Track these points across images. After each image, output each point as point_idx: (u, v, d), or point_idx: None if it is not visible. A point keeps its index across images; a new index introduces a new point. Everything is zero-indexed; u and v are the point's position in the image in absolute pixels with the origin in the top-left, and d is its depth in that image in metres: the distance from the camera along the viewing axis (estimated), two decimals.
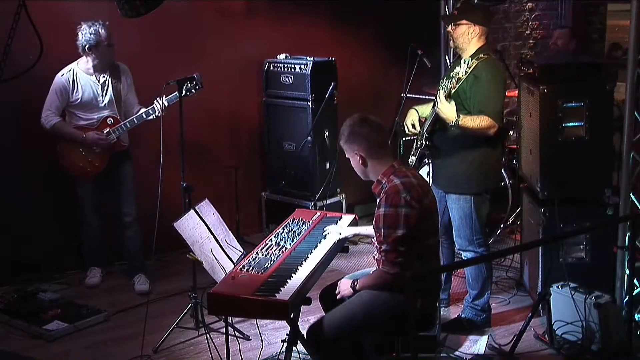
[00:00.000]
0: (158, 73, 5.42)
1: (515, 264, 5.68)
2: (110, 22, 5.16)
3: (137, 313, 5.00)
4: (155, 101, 5.06)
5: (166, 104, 5.02)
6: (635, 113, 4.41)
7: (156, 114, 5.09)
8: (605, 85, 4.69)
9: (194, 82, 4.86)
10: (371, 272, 3.71)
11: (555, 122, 4.67)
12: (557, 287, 4.58)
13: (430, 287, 3.65)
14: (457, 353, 4.46)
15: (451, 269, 5.18)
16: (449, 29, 4.58)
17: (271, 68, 6.43)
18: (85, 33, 5.13)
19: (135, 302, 5.23)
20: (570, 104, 4.66)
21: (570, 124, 4.68)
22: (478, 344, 4.57)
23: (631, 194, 4.50)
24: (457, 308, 4.99)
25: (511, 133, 6.47)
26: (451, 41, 4.63)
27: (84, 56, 5.23)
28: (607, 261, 4.63)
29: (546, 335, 4.56)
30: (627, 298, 4.37)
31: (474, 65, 4.39)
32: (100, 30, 5.12)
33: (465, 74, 4.35)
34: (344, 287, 3.70)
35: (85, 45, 5.14)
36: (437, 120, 4.51)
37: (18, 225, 5.52)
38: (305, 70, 6.18)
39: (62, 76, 5.23)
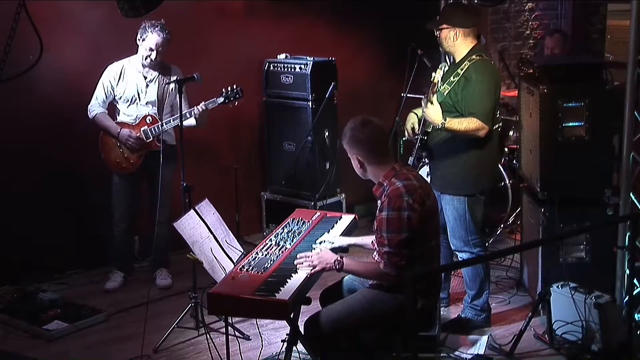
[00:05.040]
0: None
1: (515, 263, 5.68)
2: (109, 22, 5.16)
3: (137, 313, 5.00)
4: (195, 107, 5.05)
5: (203, 107, 5.00)
6: (635, 113, 4.41)
7: (192, 115, 5.05)
8: (605, 85, 4.69)
9: (235, 92, 4.92)
10: (365, 261, 3.69)
11: (555, 122, 4.67)
12: (557, 287, 4.57)
13: (430, 287, 3.66)
14: (457, 353, 4.46)
15: (450, 269, 5.18)
16: (436, 33, 4.60)
17: (271, 68, 6.43)
18: (140, 28, 5.14)
19: (135, 302, 5.22)
20: (570, 104, 4.66)
21: (570, 124, 4.68)
22: (478, 343, 4.57)
23: (631, 194, 4.50)
24: (457, 308, 4.99)
25: (511, 133, 6.47)
26: (440, 46, 4.65)
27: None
28: (607, 261, 4.63)
29: (546, 335, 4.56)
30: (627, 298, 4.37)
31: (466, 67, 4.44)
32: (148, 30, 5.11)
33: (457, 75, 4.41)
34: (324, 261, 3.57)
35: (136, 39, 5.16)
36: (429, 123, 4.54)
37: (18, 225, 5.52)
38: (305, 70, 6.18)
39: (110, 69, 5.25)
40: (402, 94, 6.04)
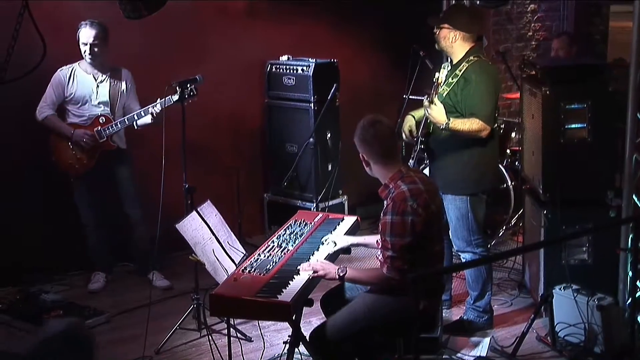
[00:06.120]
0: (160, 74, 5.43)
1: (517, 265, 5.67)
2: (112, 23, 5.16)
3: (139, 314, 5.00)
4: (151, 105, 5.08)
5: (158, 106, 5.02)
6: (638, 114, 4.40)
7: (147, 118, 5.10)
8: (607, 86, 4.68)
9: (190, 89, 4.82)
10: (368, 267, 3.68)
11: (557, 124, 4.67)
12: (560, 289, 4.57)
13: (432, 289, 3.65)
14: (459, 355, 4.46)
15: (452, 270, 5.18)
16: (435, 31, 4.61)
17: (273, 69, 6.43)
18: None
19: (137, 303, 5.22)
20: (572, 106, 4.66)
21: (573, 126, 4.68)
22: (480, 345, 4.57)
23: (634, 196, 4.49)
24: (459, 310, 4.99)
25: (513, 135, 6.47)
26: (436, 44, 4.66)
27: None
28: (609, 263, 4.61)
29: (548, 337, 4.55)
30: (629, 300, 4.36)
31: (464, 68, 4.47)
32: (81, 28, 5.17)
33: (456, 76, 4.44)
34: (327, 270, 3.56)
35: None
36: (430, 123, 4.56)
37: (21, 226, 5.52)
38: (307, 71, 6.18)
39: (61, 71, 5.30)
40: (404, 96, 6.04)
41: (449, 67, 4.62)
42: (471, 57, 4.49)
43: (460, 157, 4.55)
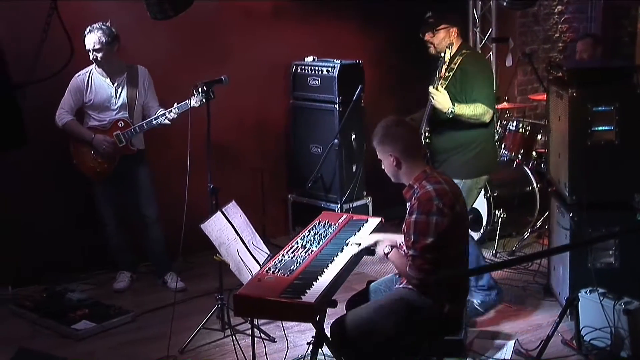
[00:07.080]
0: (185, 75, 5.46)
1: (543, 268, 5.62)
2: (138, 23, 5.20)
3: (164, 314, 5.03)
4: (167, 110, 5.11)
5: (177, 111, 5.04)
6: None
7: (165, 120, 5.12)
8: (636, 89, 4.64)
9: (206, 94, 4.79)
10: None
11: (584, 126, 4.63)
12: (586, 292, 4.52)
13: (456, 291, 3.63)
14: (482, 358, 4.43)
15: (476, 273, 5.14)
16: (427, 37, 4.73)
17: (298, 70, 6.44)
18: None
19: (162, 303, 5.26)
20: (600, 108, 4.62)
21: (600, 128, 4.63)
22: (504, 348, 4.54)
23: None
24: (482, 314, 4.96)
25: (539, 137, 6.43)
26: (431, 48, 4.76)
27: None
28: (636, 267, 4.58)
29: (574, 341, 4.51)
30: None
31: (459, 60, 4.63)
32: (85, 35, 5.15)
33: (452, 70, 4.60)
34: (385, 239, 3.67)
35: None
36: (432, 117, 4.69)
37: (46, 225, 5.58)
38: (333, 72, 6.19)
39: (78, 77, 5.31)
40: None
41: (453, 59, 4.68)
42: (464, 51, 4.68)
43: (465, 146, 4.72)
